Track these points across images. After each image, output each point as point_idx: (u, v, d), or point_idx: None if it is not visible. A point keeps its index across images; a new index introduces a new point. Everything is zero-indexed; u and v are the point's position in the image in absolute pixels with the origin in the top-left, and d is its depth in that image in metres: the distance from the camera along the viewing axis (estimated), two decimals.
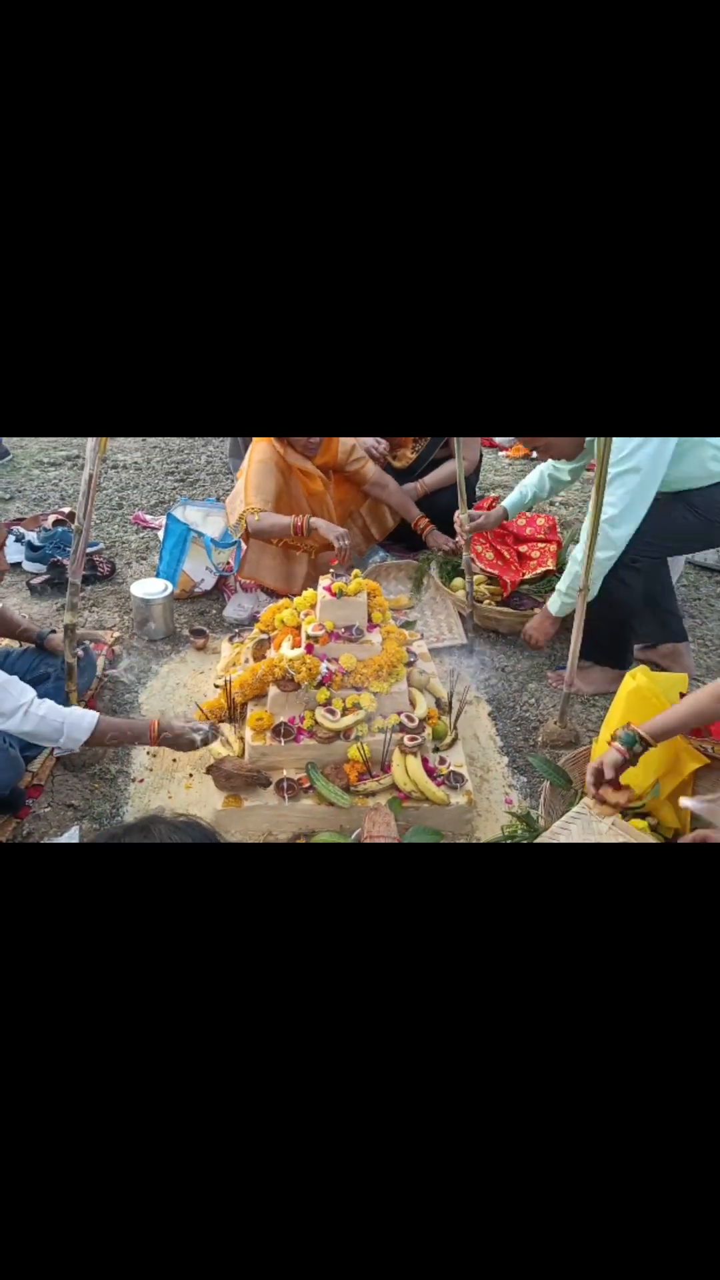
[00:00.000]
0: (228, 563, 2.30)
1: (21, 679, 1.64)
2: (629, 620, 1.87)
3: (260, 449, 2.14)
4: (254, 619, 2.21)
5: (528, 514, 2.31)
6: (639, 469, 1.57)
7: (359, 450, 2.31)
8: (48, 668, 1.70)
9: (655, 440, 1.56)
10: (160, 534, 2.60)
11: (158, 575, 2.31)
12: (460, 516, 2.01)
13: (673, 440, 1.59)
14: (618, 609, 1.79)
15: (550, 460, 1.99)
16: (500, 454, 3.52)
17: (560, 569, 2.19)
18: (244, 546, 2.16)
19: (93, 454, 1.31)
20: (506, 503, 2.05)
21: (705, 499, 1.69)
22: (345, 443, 2.26)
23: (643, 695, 1.42)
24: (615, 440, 1.53)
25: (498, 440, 3.63)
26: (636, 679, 1.44)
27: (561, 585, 1.83)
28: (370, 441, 2.40)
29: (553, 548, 2.29)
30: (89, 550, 2.39)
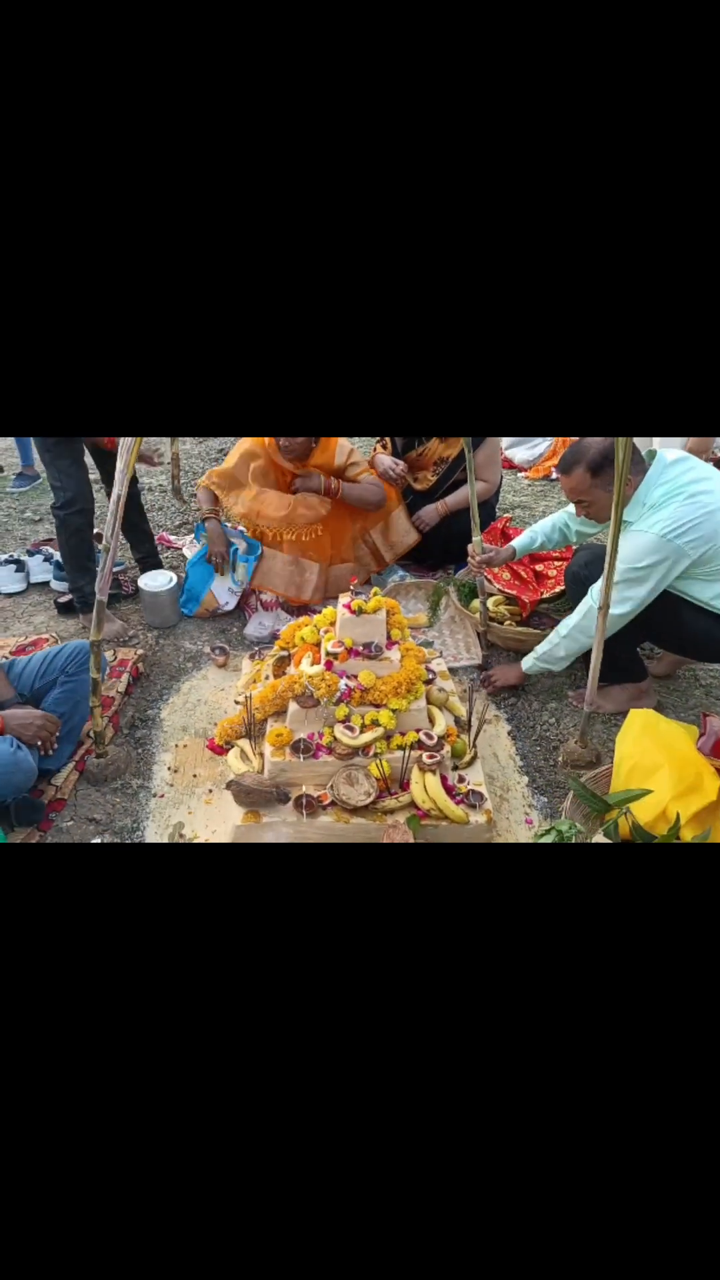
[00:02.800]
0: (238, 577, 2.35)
1: (31, 687, 1.68)
2: (640, 634, 1.85)
3: (246, 448, 2.28)
4: (275, 637, 2.24)
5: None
6: (649, 583, 1.61)
7: (356, 455, 2.35)
8: (55, 674, 1.71)
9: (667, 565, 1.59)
10: (185, 552, 2.66)
11: (183, 594, 2.36)
12: (473, 546, 2.02)
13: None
14: (626, 629, 1.78)
15: (574, 514, 1.95)
16: (519, 475, 3.54)
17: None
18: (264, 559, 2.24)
19: (121, 476, 1.36)
20: (516, 543, 2.04)
21: None
22: (342, 446, 2.31)
23: (651, 725, 1.44)
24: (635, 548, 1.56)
25: (516, 460, 3.66)
26: (646, 714, 1.46)
27: (539, 649, 1.86)
28: (389, 463, 2.44)
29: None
30: (115, 570, 2.44)
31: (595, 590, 1.69)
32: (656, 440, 2.84)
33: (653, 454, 1.65)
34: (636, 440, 1.92)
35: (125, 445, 1.34)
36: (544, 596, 2.22)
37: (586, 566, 1.90)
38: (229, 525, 2.35)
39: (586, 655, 1.71)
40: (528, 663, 1.91)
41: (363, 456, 2.37)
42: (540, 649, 1.87)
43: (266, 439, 2.26)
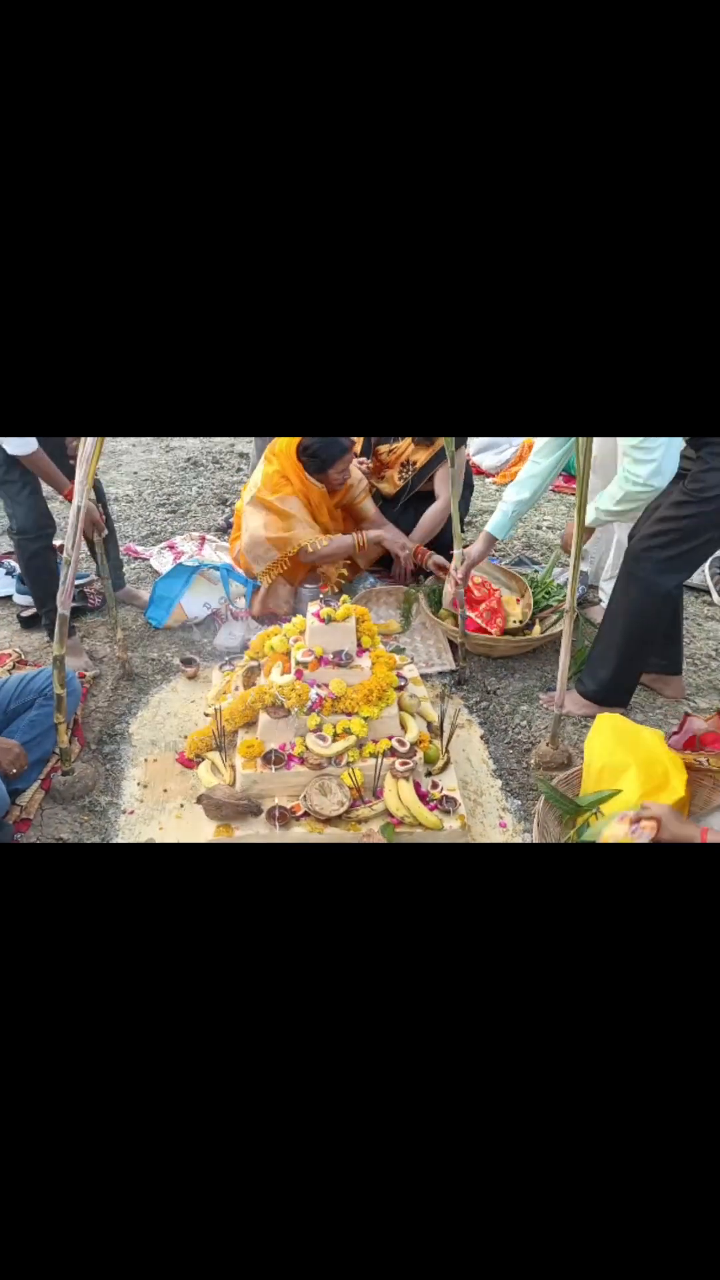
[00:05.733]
0: (239, 600, 2.31)
1: (5, 708, 1.64)
2: (645, 652, 1.84)
3: (285, 499, 2.17)
4: (245, 646, 2.22)
5: (475, 582, 2.23)
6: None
7: (363, 482, 2.35)
8: (31, 695, 1.68)
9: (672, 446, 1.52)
10: (152, 564, 2.62)
11: (150, 605, 2.32)
12: (454, 563, 1.98)
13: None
14: (634, 645, 1.77)
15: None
16: (488, 480, 3.58)
17: (527, 616, 2.20)
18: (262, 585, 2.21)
19: (81, 486, 1.33)
20: (489, 527, 1.97)
21: None
22: (353, 475, 2.29)
23: (620, 727, 1.46)
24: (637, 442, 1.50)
25: (484, 466, 3.69)
26: (613, 718, 1.48)
27: (602, 503, 1.66)
28: (356, 463, 2.45)
29: (509, 595, 2.29)
30: (80, 581, 2.39)
31: (621, 473, 1.58)
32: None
33: None
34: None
35: (84, 455, 1.31)
36: (508, 626, 2.21)
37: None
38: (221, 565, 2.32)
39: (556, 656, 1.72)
40: (590, 515, 1.67)
41: (364, 486, 2.36)
42: (602, 502, 1.67)
43: (312, 488, 2.18)
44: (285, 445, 2.17)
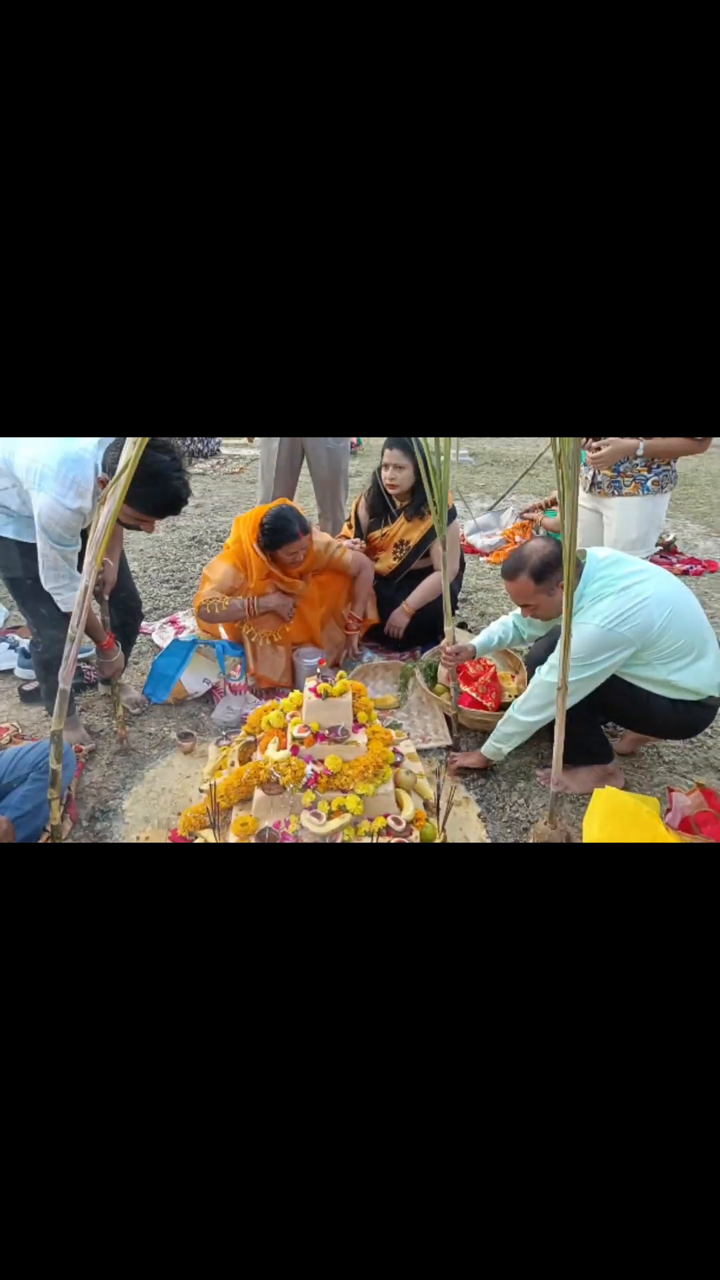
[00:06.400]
0: (233, 671, 2.33)
1: (0, 782, 1.63)
2: (600, 712, 1.89)
3: (229, 563, 2.25)
4: (243, 720, 2.23)
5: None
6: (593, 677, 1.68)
7: (334, 543, 2.42)
8: (25, 769, 1.68)
9: (612, 662, 1.67)
10: (154, 638, 2.67)
11: (148, 682, 2.35)
12: (445, 641, 2.06)
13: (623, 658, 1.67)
14: (587, 712, 1.82)
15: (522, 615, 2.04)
16: (481, 559, 3.69)
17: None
18: (248, 653, 2.24)
19: (89, 568, 1.39)
20: (475, 642, 2.11)
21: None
22: (319, 540, 2.36)
23: (617, 806, 1.45)
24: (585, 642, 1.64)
25: (478, 546, 3.82)
26: (609, 794, 1.48)
27: (495, 731, 1.91)
28: (348, 543, 2.54)
29: (504, 671, 2.33)
30: (82, 655, 2.43)
31: (542, 670, 1.77)
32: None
33: (584, 553, 1.76)
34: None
35: (94, 539, 1.38)
36: (505, 701, 2.24)
37: (546, 651, 1.97)
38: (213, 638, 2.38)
39: (553, 735, 1.74)
40: (487, 747, 1.95)
41: (339, 544, 2.46)
42: (495, 730, 1.92)
43: (249, 548, 2.24)
44: (251, 515, 2.27)
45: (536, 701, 1.78)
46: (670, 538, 3.82)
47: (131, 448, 1.31)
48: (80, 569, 1.71)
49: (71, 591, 1.73)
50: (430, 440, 1.84)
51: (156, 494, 1.61)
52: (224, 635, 2.42)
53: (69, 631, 1.47)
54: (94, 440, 1.64)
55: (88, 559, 1.42)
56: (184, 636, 2.48)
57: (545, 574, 1.70)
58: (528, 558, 1.72)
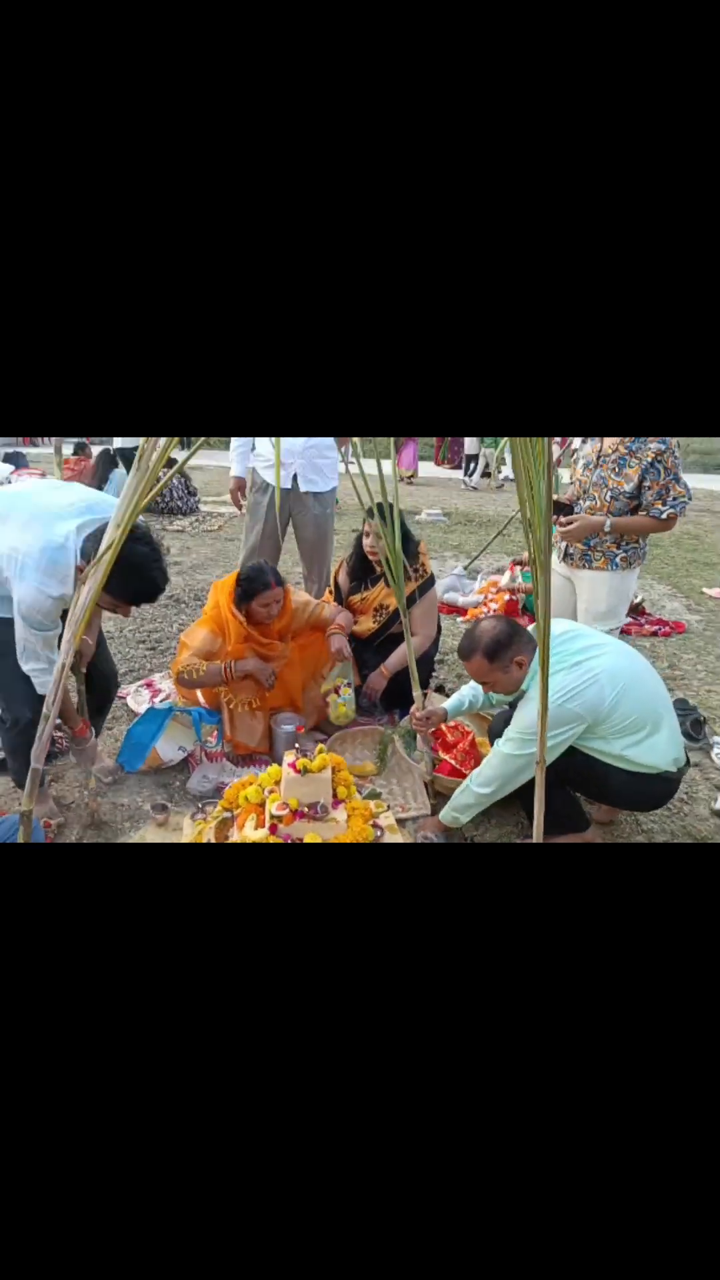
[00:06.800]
0: (210, 738, 2.29)
1: None
2: (560, 784, 1.90)
3: (207, 628, 2.26)
4: (219, 791, 2.19)
5: (448, 725, 2.33)
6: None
7: (314, 603, 2.44)
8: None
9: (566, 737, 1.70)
10: (129, 703, 2.63)
11: (122, 750, 2.30)
12: (415, 709, 2.08)
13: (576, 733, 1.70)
14: (549, 783, 1.84)
15: None
16: (458, 619, 3.75)
17: None
18: (225, 719, 2.21)
19: (67, 645, 1.37)
20: (448, 705, 2.14)
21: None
22: (298, 599, 2.38)
23: None
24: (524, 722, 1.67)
25: (460, 603, 3.89)
26: None
27: (451, 800, 1.91)
28: (331, 609, 2.57)
29: (483, 739, 2.35)
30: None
31: (499, 744, 1.79)
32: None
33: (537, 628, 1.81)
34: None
35: (73, 618, 1.37)
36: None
37: (504, 724, 2.00)
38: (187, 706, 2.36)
39: (525, 802, 1.74)
40: (445, 814, 1.94)
41: (317, 602, 2.49)
42: (453, 799, 1.92)
43: (227, 610, 2.25)
44: (228, 580, 2.30)
45: (490, 773, 1.79)
46: (638, 599, 3.93)
47: (114, 530, 1.32)
48: (59, 648, 1.70)
49: (48, 675, 1.72)
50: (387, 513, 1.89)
51: (135, 584, 1.65)
52: (201, 700, 2.39)
53: (43, 709, 1.45)
54: (72, 527, 1.65)
55: (66, 636, 1.41)
56: (159, 703, 2.44)
57: (498, 653, 1.73)
58: (479, 638, 1.75)
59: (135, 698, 2.66)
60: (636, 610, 3.88)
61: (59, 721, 2.41)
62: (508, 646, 1.72)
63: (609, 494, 2.21)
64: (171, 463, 3.91)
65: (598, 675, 1.67)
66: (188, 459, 1.52)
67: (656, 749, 1.71)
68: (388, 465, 1.99)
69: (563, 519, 2.24)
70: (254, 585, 2.20)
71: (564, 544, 2.32)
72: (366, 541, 2.51)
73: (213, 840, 1.72)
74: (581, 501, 2.28)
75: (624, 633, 3.63)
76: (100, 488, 4.44)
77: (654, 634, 3.64)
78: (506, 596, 3.70)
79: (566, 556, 2.33)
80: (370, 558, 2.53)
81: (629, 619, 3.77)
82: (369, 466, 2.14)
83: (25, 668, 1.72)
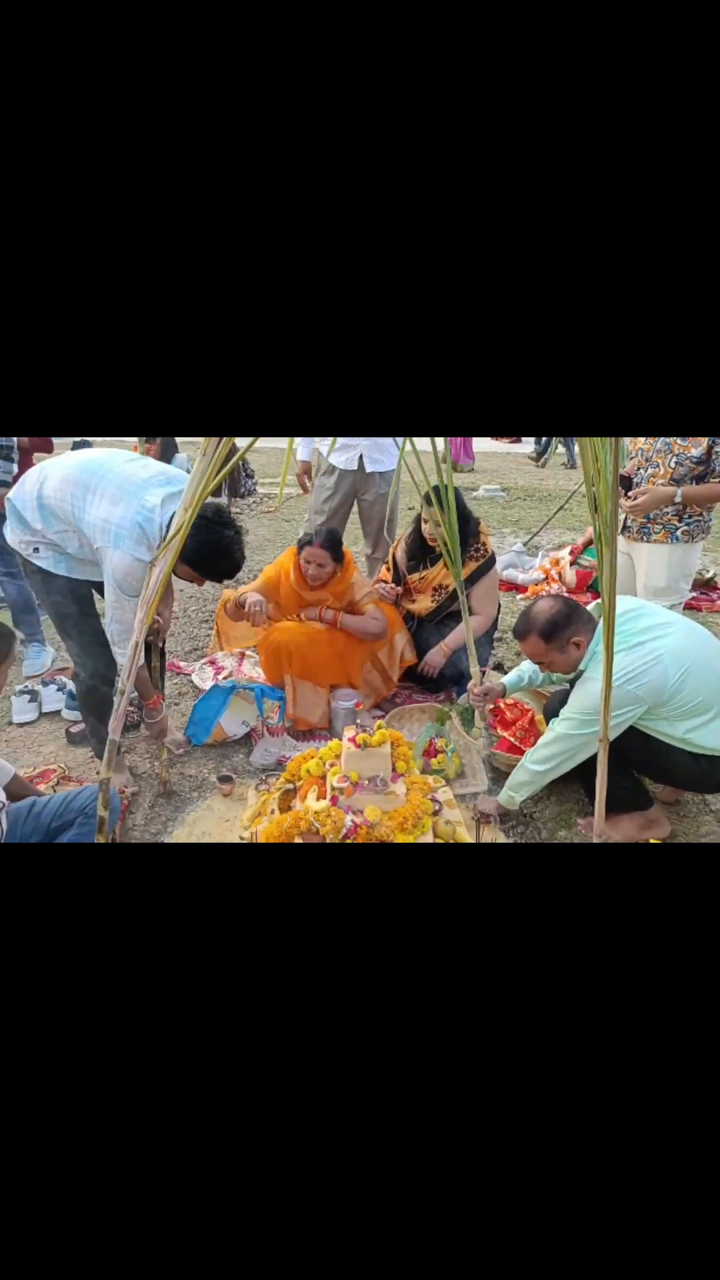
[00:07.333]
0: (272, 715, 2.37)
1: (48, 827, 1.69)
2: (621, 764, 1.86)
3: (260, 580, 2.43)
4: (280, 764, 2.26)
5: (507, 703, 2.32)
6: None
7: (372, 591, 2.48)
8: (73, 814, 1.73)
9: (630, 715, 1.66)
10: (193, 679, 2.74)
11: (189, 724, 2.40)
12: (472, 684, 2.08)
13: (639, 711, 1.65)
14: (610, 765, 1.80)
15: None
16: (517, 596, 3.69)
17: None
18: (289, 696, 2.29)
19: (140, 625, 1.45)
20: (506, 680, 2.12)
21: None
22: (358, 578, 2.45)
23: None
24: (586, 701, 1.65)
25: (519, 580, 3.82)
26: None
27: (509, 779, 1.89)
28: (385, 589, 2.58)
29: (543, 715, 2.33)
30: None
31: (555, 723, 1.77)
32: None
33: (599, 606, 1.76)
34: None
35: (144, 599, 1.44)
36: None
37: (561, 703, 1.97)
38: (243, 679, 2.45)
39: (585, 781, 1.72)
40: (502, 795, 1.94)
41: (372, 586, 2.52)
42: (510, 778, 1.91)
43: (289, 571, 2.39)
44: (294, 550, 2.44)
45: (545, 752, 1.77)
46: (710, 574, 3.76)
47: (183, 514, 1.37)
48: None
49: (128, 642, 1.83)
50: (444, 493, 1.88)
51: (223, 565, 1.86)
52: (263, 678, 2.47)
53: (119, 684, 1.53)
54: (158, 498, 1.76)
55: (139, 616, 1.48)
56: (222, 680, 2.53)
57: (554, 633, 1.70)
58: (535, 618, 1.72)
59: (200, 674, 2.76)
60: (708, 585, 3.71)
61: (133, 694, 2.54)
62: (565, 627, 1.69)
63: (674, 460, 2.11)
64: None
65: (660, 656, 1.62)
66: (249, 446, 1.55)
67: None
68: (441, 444, 1.97)
69: (626, 494, 2.16)
70: (308, 538, 2.36)
71: (625, 517, 2.24)
72: (425, 528, 2.50)
73: (277, 810, 1.78)
74: (644, 470, 2.20)
75: (694, 609, 3.49)
76: None
77: None
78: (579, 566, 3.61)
79: (625, 529, 2.26)
80: (430, 543, 2.53)
81: (698, 594, 3.61)
82: (423, 445, 2.12)
83: (115, 638, 1.87)
